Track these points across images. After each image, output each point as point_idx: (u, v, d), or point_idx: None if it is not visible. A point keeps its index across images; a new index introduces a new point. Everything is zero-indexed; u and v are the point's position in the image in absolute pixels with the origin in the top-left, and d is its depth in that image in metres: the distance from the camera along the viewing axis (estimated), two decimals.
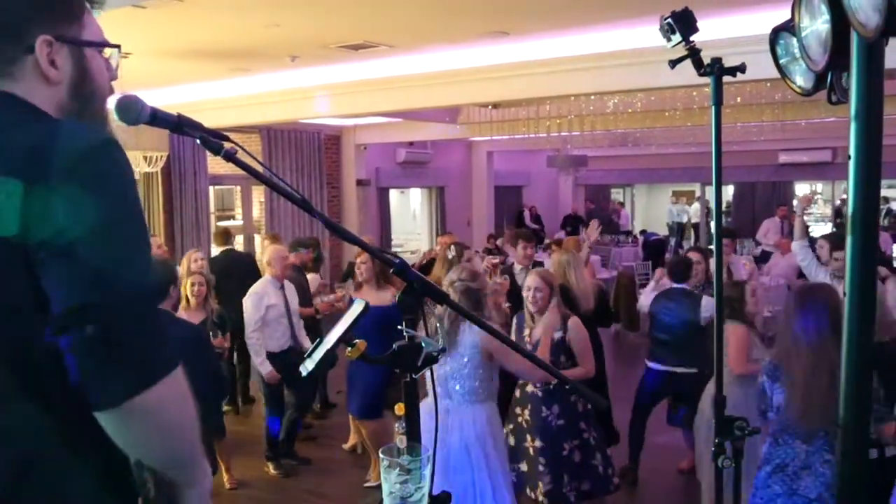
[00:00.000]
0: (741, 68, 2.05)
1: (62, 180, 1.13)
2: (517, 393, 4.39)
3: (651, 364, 5.57)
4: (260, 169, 1.52)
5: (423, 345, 1.56)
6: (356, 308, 1.62)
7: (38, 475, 1.20)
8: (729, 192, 19.24)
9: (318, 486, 5.71)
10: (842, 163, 9.17)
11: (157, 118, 1.38)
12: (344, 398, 6.28)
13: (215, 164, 11.09)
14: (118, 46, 1.42)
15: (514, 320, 4.57)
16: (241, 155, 1.44)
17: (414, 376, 1.57)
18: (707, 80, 2.14)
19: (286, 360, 5.72)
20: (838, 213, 18.63)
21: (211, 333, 5.27)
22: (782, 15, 1.63)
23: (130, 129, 1.41)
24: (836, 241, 5.79)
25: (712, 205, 2.22)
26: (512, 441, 4.28)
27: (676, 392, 5.51)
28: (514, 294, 5.25)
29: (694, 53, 2.07)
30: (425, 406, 1.95)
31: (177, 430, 1.24)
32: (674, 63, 2.11)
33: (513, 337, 4.37)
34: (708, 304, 5.29)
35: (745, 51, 3.01)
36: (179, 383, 1.21)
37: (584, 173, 18.93)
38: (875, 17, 1.08)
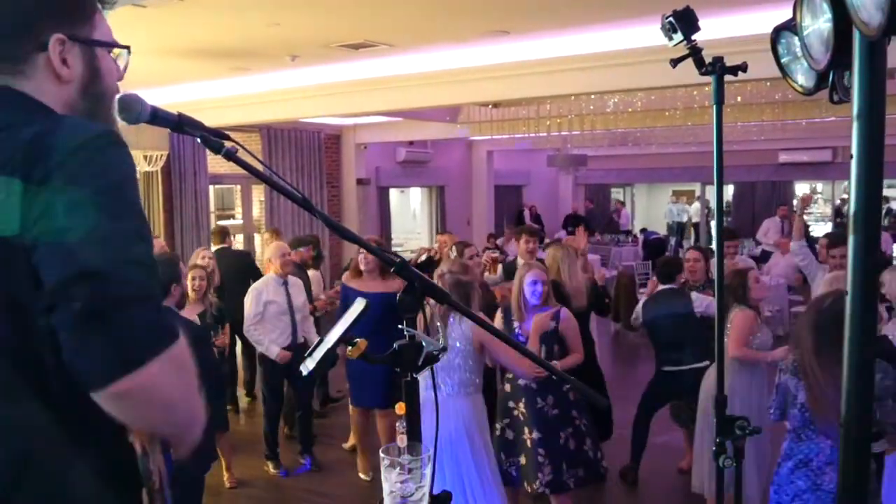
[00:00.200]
0: (743, 67, 2.05)
1: (55, 172, 1.13)
2: (507, 387, 4.38)
3: (664, 368, 5.49)
4: (260, 168, 1.52)
5: (424, 344, 1.56)
6: (357, 307, 1.62)
7: (39, 471, 1.20)
8: (729, 191, 19.24)
9: (318, 486, 5.72)
10: (842, 162, 9.28)
11: (157, 117, 1.39)
12: (345, 396, 6.29)
13: (215, 164, 11.09)
14: (128, 47, 1.43)
15: (501, 313, 4.56)
16: (241, 154, 1.44)
17: (415, 375, 1.57)
18: (707, 79, 2.14)
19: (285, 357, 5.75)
20: (838, 213, 18.63)
21: (211, 330, 5.27)
22: (783, 14, 1.63)
23: (131, 128, 1.42)
24: (833, 239, 5.80)
25: (713, 204, 2.22)
26: (510, 435, 4.29)
27: (686, 391, 5.49)
28: None
29: (695, 52, 2.08)
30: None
31: (174, 405, 1.23)
32: (675, 62, 2.11)
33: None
34: (697, 299, 5.31)
35: (746, 50, 3.00)
36: (177, 356, 1.19)
37: (585, 173, 18.94)
38: (878, 15, 1.08)
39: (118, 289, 1.13)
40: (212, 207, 12.01)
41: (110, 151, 1.21)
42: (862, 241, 1.23)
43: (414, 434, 1.56)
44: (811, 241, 7.71)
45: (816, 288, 5.41)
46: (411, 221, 17.04)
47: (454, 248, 5.99)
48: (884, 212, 17.52)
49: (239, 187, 12.66)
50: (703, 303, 5.30)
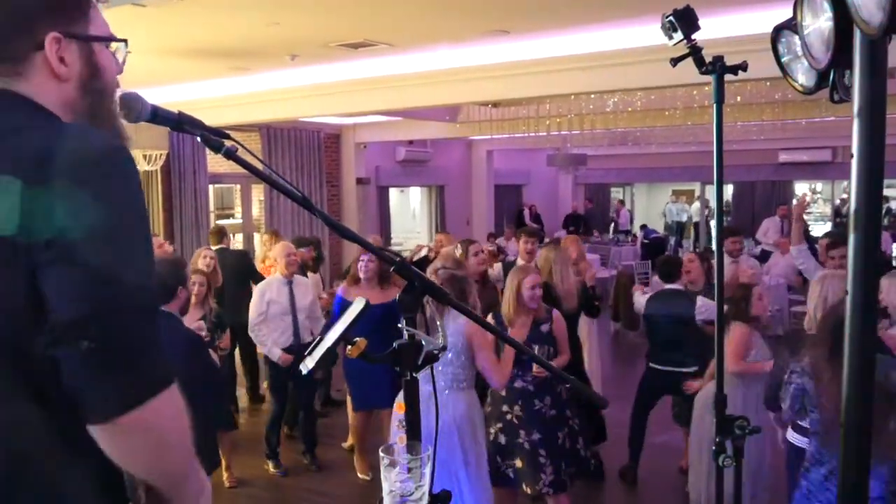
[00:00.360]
0: (743, 66, 2.05)
1: (69, 185, 1.12)
2: (502, 392, 4.33)
3: (651, 364, 5.57)
4: (260, 167, 1.52)
5: (424, 343, 1.56)
6: (356, 307, 1.62)
7: (33, 476, 1.19)
8: (728, 191, 19.24)
9: (317, 485, 5.72)
10: (842, 162, 9.29)
11: (157, 116, 1.38)
12: (345, 395, 6.28)
13: (215, 163, 11.09)
14: (125, 41, 1.42)
15: (491, 318, 4.53)
16: (241, 153, 1.44)
17: (414, 375, 1.57)
18: (707, 78, 2.14)
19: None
20: (838, 213, 18.63)
21: (212, 334, 5.26)
22: (783, 13, 1.62)
23: (131, 127, 1.41)
24: (833, 239, 5.80)
25: (713, 203, 2.22)
26: (503, 440, 4.25)
27: (675, 391, 5.52)
28: None
29: (695, 51, 2.07)
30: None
31: (169, 447, 1.24)
32: (675, 61, 2.11)
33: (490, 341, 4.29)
34: (703, 305, 5.28)
35: (746, 49, 3.00)
36: (173, 399, 1.20)
37: (584, 172, 18.92)
38: (878, 14, 1.08)
39: (128, 329, 1.14)
40: (211, 207, 12.00)
41: (123, 167, 1.20)
42: (862, 240, 1.23)
43: (414, 433, 1.56)
44: (811, 241, 7.72)
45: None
46: (411, 221, 17.03)
47: (459, 245, 6.01)
48: (883, 211, 17.51)
49: (238, 187, 12.66)
50: (707, 309, 5.27)
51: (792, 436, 3.56)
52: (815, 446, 3.13)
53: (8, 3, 1.27)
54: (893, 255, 13.06)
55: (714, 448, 2.30)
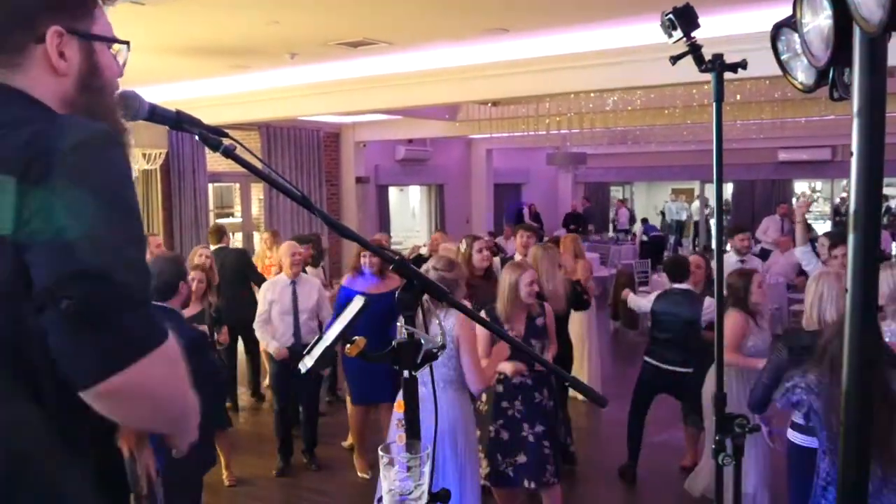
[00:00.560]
0: (742, 64, 2.04)
1: (52, 171, 1.12)
2: (498, 388, 4.33)
3: (647, 359, 5.57)
4: (259, 166, 1.52)
5: (423, 342, 1.56)
6: (355, 305, 1.61)
7: (32, 473, 1.19)
8: (728, 189, 19.24)
9: (317, 484, 5.72)
10: (841, 161, 9.26)
11: (155, 114, 1.38)
12: (346, 394, 6.29)
13: (214, 162, 11.09)
14: (127, 43, 1.42)
15: (484, 314, 4.52)
16: (240, 151, 1.44)
17: (413, 373, 1.57)
18: (707, 77, 2.13)
19: (285, 357, 5.78)
20: (837, 212, 18.63)
21: (211, 329, 5.27)
22: (782, 12, 1.62)
23: (129, 126, 1.41)
24: (834, 238, 5.79)
25: (713, 202, 2.21)
26: (506, 435, 4.25)
27: (671, 390, 5.52)
28: None
29: (695, 49, 2.07)
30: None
31: (163, 404, 1.23)
32: (675, 59, 2.10)
33: (483, 330, 4.22)
34: (711, 306, 5.27)
35: (745, 48, 3.00)
36: (164, 358, 1.19)
37: (584, 171, 18.94)
38: (878, 11, 1.07)
39: (110, 290, 1.13)
40: (211, 206, 12.00)
41: (107, 152, 1.20)
42: (862, 239, 1.22)
43: (413, 431, 1.56)
44: (811, 240, 7.69)
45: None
46: (410, 220, 17.02)
47: (464, 241, 6.03)
48: (882, 210, 17.52)
49: (238, 185, 12.66)
50: (713, 310, 5.27)
51: (792, 434, 3.56)
52: (829, 466, 3.06)
53: None
54: (893, 253, 13.06)
55: (714, 446, 2.30)
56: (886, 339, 3.62)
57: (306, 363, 1.62)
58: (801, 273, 8.66)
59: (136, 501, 1.37)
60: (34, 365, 1.15)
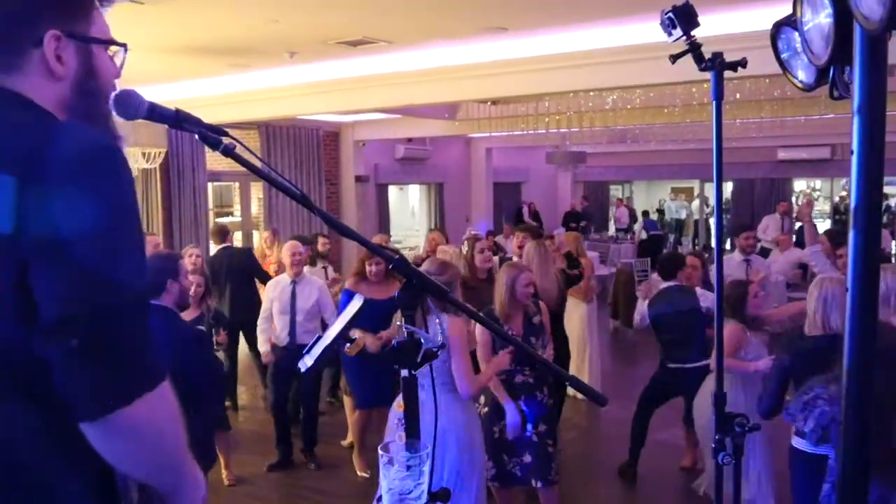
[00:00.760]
0: (742, 63, 2.04)
1: (60, 183, 1.12)
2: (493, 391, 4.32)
3: (669, 364, 5.46)
4: (259, 164, 1.52)
5: (423, 341, 1.56)
6: (354, 305, 1.62)
7: (27, 480, 1.19)
8: (727, 188, 19.24)
9: (317, 483, 5.71)
10: (841, 159, 9.21)
11: (154, 113, 1.37)
12: (344, 393, 6.29)
13: (214, 161, 11.08)
14: (125, 45, 1.42)
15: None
16: (239, 150, 1.43)
17: (413, 373, 1.57)
18: (706, 75, 2.13)
19: (278, 354, 5.89)
20: (837, 210, 18.64)
21: (210, 330, 5.26)
22: (782, 11, 1.62)
23: (128, 125, 1.41)
24: (834, 237, 5.79)
25: (712, 201, 2.21)
26: (510, 435, 4.25)
27: (684, 392, 5.48)
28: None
29: (695, 48, 2.07)
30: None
31: (161, 444, 1.23)
32: (675, 58, 2.10)
33: (483, 334, 4.25)
34: (703, 294, 5.34)
35: (745, 46, 3.00)
36: (165, 397, 1.20)
37: (583, 170, 18.92)
38: (879, 9, 1.07)
39: (117, 327, 1.13)
40: (210, 205, 11.99)
41: (114, 165, 1.20)
42: (862, 238, 1.22)
43: (413, 431, 1.56)
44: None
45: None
46: (410, 219, 17.02)
47: (466, 242, 6.04)
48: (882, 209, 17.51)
49: (237, 184, 12.65)
50: (708, 298, 5.29)
51: (798, 442, 3.52)
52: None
53: None
54: (893, 252, 13.07)
55: (714, 446, 2.30)
56: None
57: (306, 362, 1.62)
58: (801, 267, 8.66)
59: None
60: (30, 368, 1.15)
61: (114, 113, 1.36)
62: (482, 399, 4.36)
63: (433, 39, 6.83)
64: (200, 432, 4.49)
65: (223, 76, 8.29)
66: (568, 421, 6.48)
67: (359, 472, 5.72)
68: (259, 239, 10.19)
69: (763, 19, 2.15)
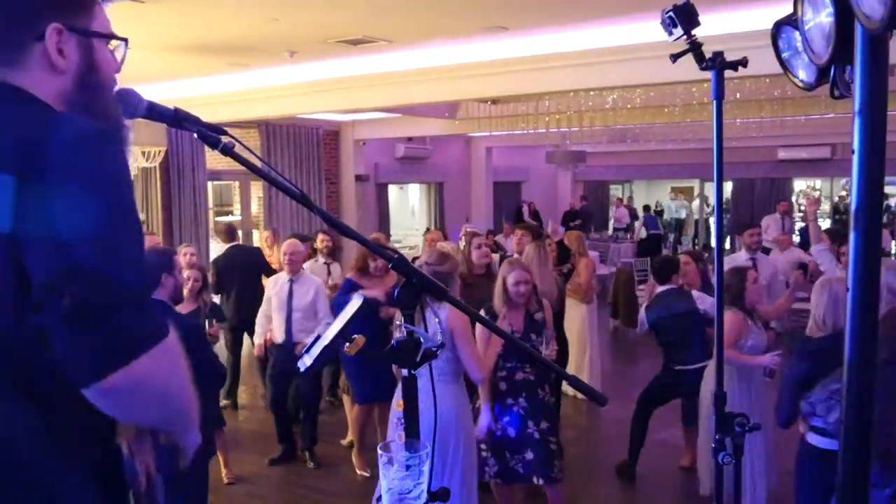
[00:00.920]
0: (743, 62, 2.04)
1: (57, 176, 1.12)
2: (503, 385, 4.33)
3: (676, 367, 5.43)
4: (258, 164, 1.51)
5: (422, 340, 1.55)
6: (353, 305, 1.61)
7: (28, 474, 1.19)
8: (727, 188, 19.24)
9: (317, 482, 5.71)
10: (841, 159, 9.18)
11: (154, 112, 1.38)
12: (344, 392, 6.29)
13: (213, 160, 11.07)
14: (125, 40, 1.42)
15: (484, 312, 4.52)
16: (239, 149, 1.43)
17: (413, 372, 1.57)
18: (707, 75, 2.13)
19: (275, 352, 5.95)
20: (836, 210, 18.64)
21: (206, 322, 5.26)
22: (783, 10, 1.62)
23: (128, 124, 1.40)
24: (836, 237, 5.79)
25: (712, 200, 2.21)
26: (513, 433, 4.27)
27: (685, 394, 5.48)
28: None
29: (695, 47, 2.07)
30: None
31: (166, 399, 1.24)
32: (675, 57, 2.10)
33: (483, 331, 4.22)
34: (700, 297, 5.33)
35: (745, 46, 3.00)
36: (166, 354, 1.19)
37: (583, 169, 18.92)
38: (880, 8, 1.07)
39: (109, 287, 1.12)
40: (210, 204, 11.99)
41: (104, 149, 1.20)
42: (863, 237, 1.22)
43: (412, 431, 1.56)
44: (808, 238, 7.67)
45: None
46: (410, 218, 17.02)
47: (464, 237, 6.06)
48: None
49: (237, 183, 12.65)
50: (706, 301, 5.29)
51: (812, 437, 3.49)
52: (877, 470, 2.98)
53: None
54: (893, 252, 13.07)
55: (714, 445, 2.29)
56: None
57: (305, 362, 1.62)
58: (801, 267, 8.65)
59: (136, 499, 1.36)
60: (31, 365, 1.15)
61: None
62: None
63: (433, 38, 6.83)
64: (200, 426, 4.51)
65: (223, 75, 8.29)
66: (568, 420, 6.48)
67: (358, 472, 5.72)
68: (259, 238, 10.19)
69: (764, 18, 2.14)
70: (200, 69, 7.88)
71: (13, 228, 1.11)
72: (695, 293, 5.36)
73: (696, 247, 18.52)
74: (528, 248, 5.71)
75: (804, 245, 9.72)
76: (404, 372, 1.59)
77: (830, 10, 1.26)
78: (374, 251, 1.65)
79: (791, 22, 1.57)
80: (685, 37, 2.06)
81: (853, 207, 1.23)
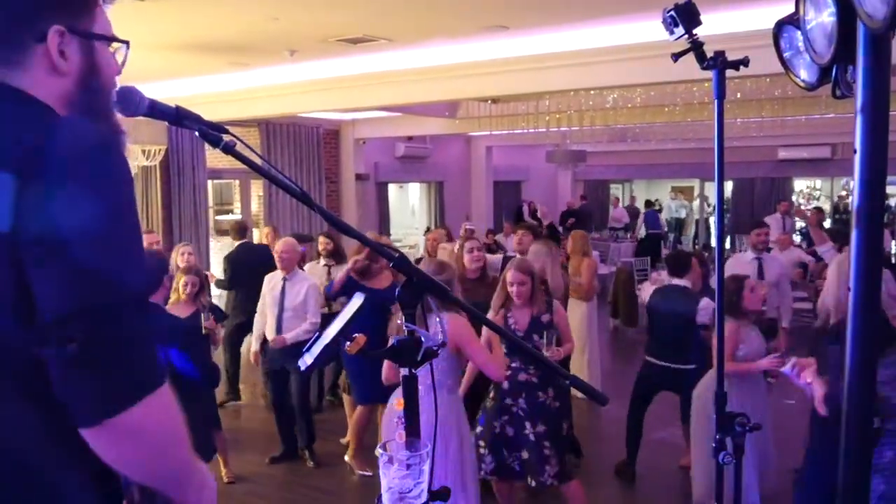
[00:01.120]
0: (744, 61, 2.04)
1: (58, 179, 1.12)
2: (504, 385, 4.34)
3: (648, 358, 5.55)
4: (259, 162, 1.51)
5: (423, 339, 1.55)
6: (354, 303, 1.61)
7: (30, 475, 1.18)
8: (728, 187, 19.22)
9: (316, 481, 5.71)
10: (841, 159, 9.14)
11: (155, 110, 1.37)
12: (344, 391, 6.29)
13: (214, 158, 11.07)
14: (127, 42, 1.41)
15: (503, 314, 4.55)
16: (240, 147, 1.43)
17: (413, 371, 1.57)
18: (707, 74, 2.13)
19: (268, 351, 5.98)
20: (836, 210, 18.64)
21: (205, 316, 5.24)
22: (784, 9, 1.62)
23: (128, 122, 1.40)
24: (837, 237, 5.79)
25: (713, 199, 2.21)
26: (511, 432, 4.29)
27: (671, 387, 5.50)
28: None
29: (697, 46, 2.06)
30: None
31: (163, 450, 1.23)
32: (677, 56, 2.10)
33: (486, 332, 4.28)
34: (706, 308, 5.20)
35: (746, 46, 3.00)
36: (165, 398, 1.19)
37: (584, 168, 18.92)
38: (883, 8, 1.07)
39: (116, 330, 1.12)
40: (210, 202, 11.99)
41: (107, 152, 1.19)
42: (865, 236, 1.22)
43: (413, 430, 1.56)
44: (810, 237, 7.66)
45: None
46: (410, 217, 17.02)
47: (460, 239, 6.07)
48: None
49: (238, 182, 12.65)
50: (709, 311, 5.20)
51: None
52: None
53: None
54: (893, 252, 13.06)
55: (714, 445, 2.29)
56: None
57: (306, 360, 1.62)
58: (801, 266, 8.66)
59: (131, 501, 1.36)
60: (31, 366, 1.15)
61: (115, 109, 1.36)
62: (491, 392, 4.42)
63: (433, 38, 6.83)
64: (199, 422, 4.51)
65: (224, 74, 8.29)
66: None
67: (358, 471, 5.72)
68: (259, 236, 10.19)
69: (765, 18, 2.14)
70: (201, 68, 7.88)
71: (13, 229, 1.10)
72: (704, 302, 5.25)
73: (697, 246, 18.51)
74: (533, 246, 5.68)
75: (810, 243, 9.68)
76: (404, 371, 1.58)
77: (832, 9, 1.25)
78: (375, 250, 1.65)
79: (793, 21, 1.57)
80: (686, 36, 2.06)
81: (855, 207, 1.23)
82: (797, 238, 14.51)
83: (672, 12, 2.04)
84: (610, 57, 6.71)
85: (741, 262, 6.48)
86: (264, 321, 6.02)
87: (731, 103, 9.42)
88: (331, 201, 12.97)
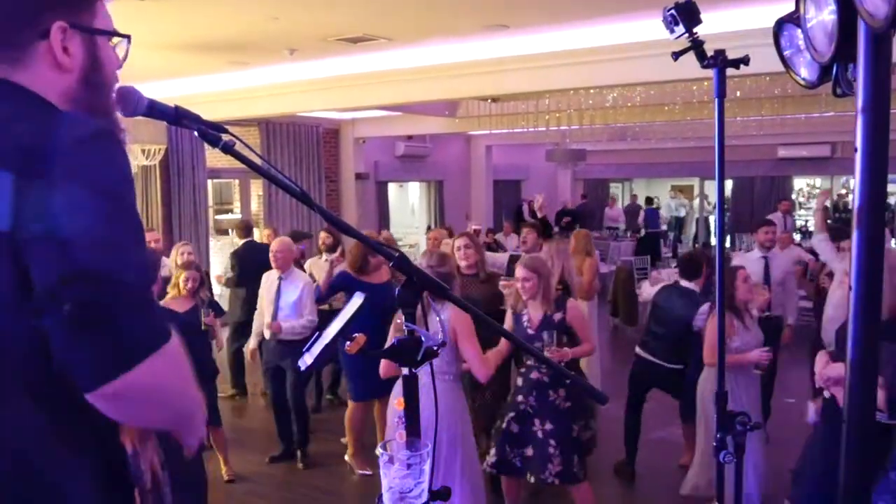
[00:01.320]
0: (745, 60, 2.04)
1: (52, 169, 1.11)
2: (518, 381, 4.45)
3: (638, 351, 5.53)
4: (258, 162, 1.51)
5: (423, 339, 1.55)
6: (355, 302, 1.61)
7: (34, 474, 1.18)
8: (727, 186, 19.22)
9: (316, 480, 5.71)
10: (841, 157, 9.10)
11: (154, 109, 1.37)
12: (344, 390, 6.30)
13: (213, 158, 11.07)
14: (128, 36, 1.41)
15: (511, 312, 4.59)
16: (239, 147, 1.43)
17: (414, 370, 1.56)
18: (707, 73, 2.13)
19: (265, 350, 5.99)
20: (836, 208, 18.63)
21: (204, 312, 5.25)
22: (785, 7, 1.61)
23: (128, 122, 1.40)
24: (834, 233, 5.79)
25: (713, 198, 2.20)
26: (516, 428, 4.32)
27: (662, 385, 5.50)
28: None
29: (697, 45, 2.06)
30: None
31: (170, 401, 1.24)
32: (677, 55, 2.09)
33: (509, 324, 4.43)
34: (705, 312, 5.15)
35: (746, 44, 2.99)
36: (170, 356, 1.18)
37: (583, 167, 18.92)
38: (884, 6, 1.07)
39: (111, 291, 1.11)
40: (210, 202, 11.99)
41: (108, 148, 1.19)
42: (866, 236, 1.22)
43: (413, 429, 1.55)
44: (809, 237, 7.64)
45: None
46: (410, 216, 17.02)
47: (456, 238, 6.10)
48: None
49: (237, 182, 12.65)
50: (705, 316, 5.18)
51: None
52: None
53: None
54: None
55: (715, 444, 2.29)
56: None
57: (306, 360, 1.62)
58: (802, 267, 8.63)
59: (142, 496, 1.36)
60: (35, 364, 1.14)
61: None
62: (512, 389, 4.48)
63: (433, 37, 6.82)
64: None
65: (223, 73, 8.29)
66: None
67: (357, 471, 5.71)
68: (260, 237, 10.20)
69: (765, 16, 2.14)
70: (201, 67, 7.88)
71: (13, 227, 1.10)
72: (704, 307, 5.23)
73: (696, 245, 18.51)
74: (546, 245, 5.71)
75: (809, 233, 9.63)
76: (405, 370, 1.58)
77: (833, 7, 1.25)
78: (375, 249, 1.64)
79: (793, 19, 1.57)
80: (687, 34, 2.05)
81: (856, 206, 1.22)
82: (797, 237, 14.52)
83: (672, 11, 2.03)
84: (610, 56, 6.71)
85: (748, 261, 6.47)
86: (262, 320, 6.03)
87: (731, 102, 9.42)
88: (331, 200, 12.97)
